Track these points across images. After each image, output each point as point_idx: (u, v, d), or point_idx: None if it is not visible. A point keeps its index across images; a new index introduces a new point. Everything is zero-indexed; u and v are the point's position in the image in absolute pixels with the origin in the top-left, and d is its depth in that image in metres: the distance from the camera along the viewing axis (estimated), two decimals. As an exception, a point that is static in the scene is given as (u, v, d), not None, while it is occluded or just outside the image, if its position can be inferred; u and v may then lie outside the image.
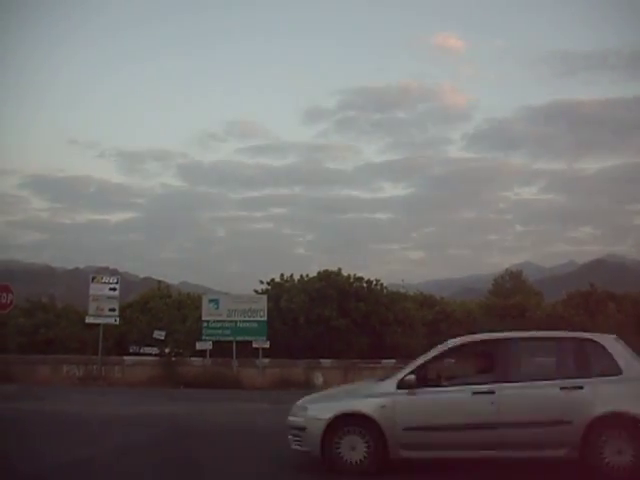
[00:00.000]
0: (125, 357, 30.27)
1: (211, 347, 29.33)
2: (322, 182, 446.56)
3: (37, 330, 33.57)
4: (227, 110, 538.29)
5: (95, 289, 30.21)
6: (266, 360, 29.19)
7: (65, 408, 19.56)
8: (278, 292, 33.39)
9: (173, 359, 29.25)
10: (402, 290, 37.59)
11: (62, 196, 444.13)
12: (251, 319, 29.53)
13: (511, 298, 41.25)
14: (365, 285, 34.80)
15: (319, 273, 34.59)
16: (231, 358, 28.75)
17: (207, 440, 13.46)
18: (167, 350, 30.18)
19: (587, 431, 9.87)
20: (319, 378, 28.72)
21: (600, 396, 10.11)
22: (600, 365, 10.57)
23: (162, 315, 33.38)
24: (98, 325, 30.05)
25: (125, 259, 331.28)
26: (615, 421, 9.92)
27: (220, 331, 29.60)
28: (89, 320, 30.41)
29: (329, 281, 33.73)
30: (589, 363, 10.74)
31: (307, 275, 34.87)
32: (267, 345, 29.23)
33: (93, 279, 30.75)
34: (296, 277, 34.86)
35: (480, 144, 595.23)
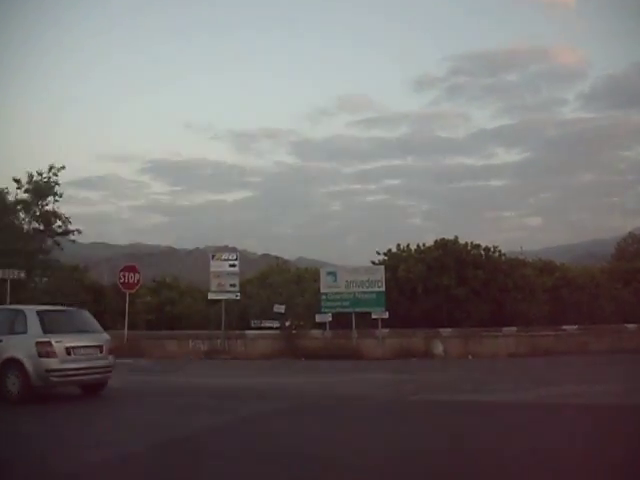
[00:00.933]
0: (247, 331, 30.91)
1: (330, 319, 29.57)
2: (434, 151, 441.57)
3: (163, 307, 34.83)
4: (337, 84, 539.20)
5: (216, 266, 30.94)
6: (385, 330, 29.18)
7: (190, 380, 20.19)
8: (395, 262, 33.32)
9: (293, 332, 29.65)
10: (520, 257, 36.83)
11: (180, 179, 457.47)
12: (369, 290, 29.54)
13: (635, 262, 39.70)
14: (483, 253, 34.29)
15: (436, 242, 34.32)
16: (350, 329, 28.90)
17: (327, 410, 13.58)
18: (287, 323, 30.63)
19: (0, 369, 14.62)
20: (439, 347, 28.49)
21: (8, 347, 14.75)
22: (18, 327, 15.09)
23: (281, 289, 33.89)
24: (220, 301, 30.81)
25: (243, 237, 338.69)
26: (10, 363, 14.52)
27: (339, 303, 29.76)
28: (211, 296, 31.21)
29: (446, 250, 33.42)
30: (13, 325, 15.19)
31: (424, 244, 34.64)
32: (386, 315, 29.19)
33: (213, 257, 31.48)
34: (412, 247, 34.68)
35: (596, 103, 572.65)
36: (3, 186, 42.53)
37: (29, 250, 41.12)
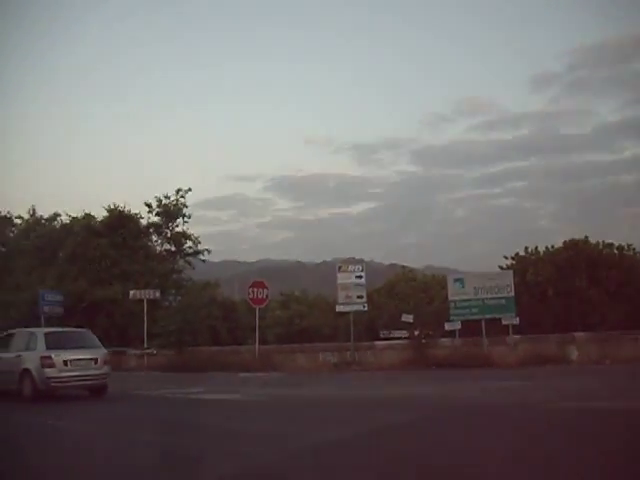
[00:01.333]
0: (376, 342, 30.89)
1: (459, 327, 29.19)
2: (559, 150, 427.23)
3: (292, 321, 35.33)
4: (453, 89, 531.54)
5: (342, 278, 31.11)
6: (516, 337, 28.52)
7: (322, 392, 20.38)
8: (523, 266, 32.59)
9: (423, 341, 29.38)
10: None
11: (304, 194, 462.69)
12: (498, 296, 28.93)
13: None
14: (616, 252, 33.00)
15: (565, 243, 33.31)
16: (480, 337, 28.40)
17: (459, 420, 13.36)
18: (416, 332, 30.36)
19: (20, 377, 19.02)
20: (574, 352, 27.54)
21: (24, 360, 19.25)
22: (31, 345, 19.70)
23: (409, 298, 33.73)
24: (348, 313, 30.97)
25: (369, 248, 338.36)
26: (25, 372, 19.12)
27: (467, 310, 29.30)
28: (339, 309, 31.41)
29: (577, 250, 32.39)
30: (28, 344, 19.87)
31: (552, 246, 33.72)
32: (516, 321, 28.58)
33: (339, 268, 31.67)
34: (541, 249, 33.81)
35: None
36: (136, 211, 44.45)
37: (163, 271, 42.80)
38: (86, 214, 44.19)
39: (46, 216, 50.20)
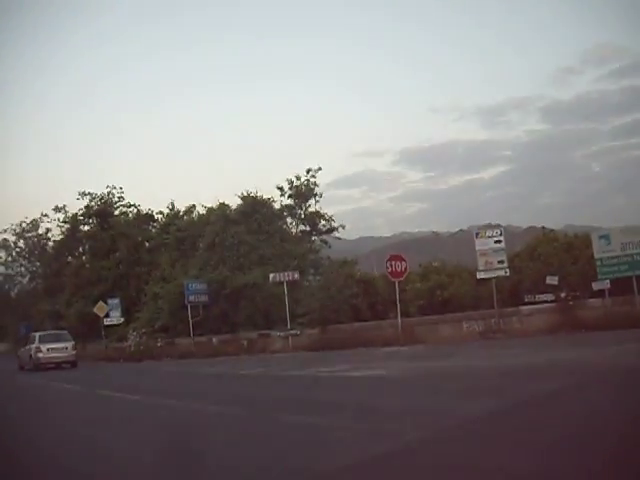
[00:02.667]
0: (521, 307, 30.01)
1: (609, 286, 27.87)
2: None
3: (433, 292, 34.88)
4: (577, 39, 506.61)
5: (481, 244, 30.50)
6: (673, 292, 26.93)
7: (467, 363, 19.94)
8: (674, 217, 30.69)
9: (570, 303, 28.28)
10: None
11: (433, 164, 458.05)
12: (648, 250, 27.45)
13: None
14: None
15: None
16: (632, 295, 27.02)
17: (615, 388, 12.57)
18: (562, 295, 29.28)
19: (29, 358, 37.82)
20: None
21: (30, 349, 37.74)
22: (32, 341, 38.27)
23: (552, 260, 32.51)
24: (490, 279, 30.28)
25: (505, 212, 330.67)
26: (29, 355, 37.63)
27: (616, 268, 27.93)
28: (480, 275, 30.80)
29: None
30: (33, 340, 37.87)
31: None
32: (670, 275, 26.96)
33: (477, 235, 31.06)
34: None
35: None
36: (268, 196, 45.16)
37: (300, 251, 43.30)
38: (221, 204, 45.37)
39: (183, 210, 51.97)
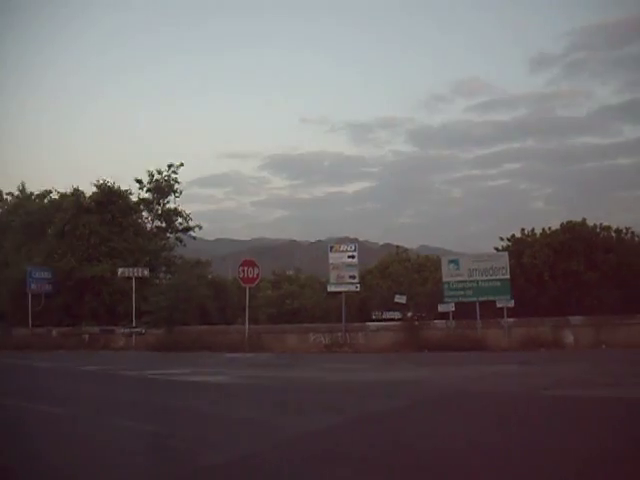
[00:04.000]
0: (368, 323, 30.38)
1: (454, 309, 28.68)
2: (555, 132, 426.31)
3: (283, 301, 34.82)
4: (452, 69, 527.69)
5: (334, 258, 30.66)
6: (511, 320, 28.01)
7: (310, 375, 19.81)
8: (520, 248, 31.98)
9: (416, 323, 28.91)
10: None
11: (299, 173, 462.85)
12: (493, 278, 28.47)
13: None
14: (614, 235, 32.40)
15: (562, 225, 32.70)
16: (474, 319, 27.91)
17: (449, 406, 12.76)
18: (409, 314, 29.90)
19: None
20: (569, 337, 27.10)
21: None
22: None
23: (402, 279, 33.18)
24: (340, 293, 30.46)
25: (364, 228, 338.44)
26: None
27: (462, 292, 28.85)
28: (331, 288, 30.97)
29: (574, 233, 31.77)
30: None
31: (549, 228, 33.09)
32: (511, 304, 28.04)
33: (331, 248, 31.20)
34: (537, 231, 33.19)
35: None
36: (126, 188, 43.75)
37: (153, 248, 42.19)
38: (75, 190, 43.39)
39: (36, 193, 49.61)
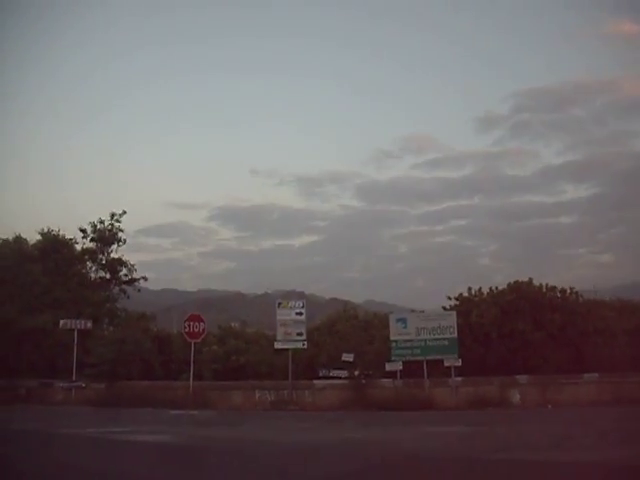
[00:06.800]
0: (315, 381, 30.08)
1: (401, 367, 28.55)
2: (501, 190, 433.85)
3: (229, 357, 34.28)
4: (399, 126, 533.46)
5: (282, 314, 30.43)
6: (459, 379, 27.98)
7: (258, 435, 19.35)
8: (467, 307, 32.09)
9: (363, 381, 28.67)
10: (595, 297, 35.11)
11: (247, 225, 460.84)
12: (441, 336, 28.55)
13: None
14: (559, 295, 32.77)
15: (509, 285, 32.97)
16: (422, 378, 27.78)
17: (398, 472, 12.47)
18: (356, 372, 29.65)
19: None
20: (516, 396, 27.21)
21: None
22: None
23: (349, 337, 32.99)
24: (287, 350, 30.13)
25: (311, 281, 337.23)
26: None
27: (409, 350, 28.81)
28: (278, 345, 30.66)
29: (520, 292, 32.05)
30: None
31: (496, 288, 33.31)
32: (459, 363, 28.05)
33: (279, 305, 30.94)
34: (485, 289, 33.39)
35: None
36: (70, 236, 42.95)
37: (96, 299, 41.29)
38: (17, 237, 42.38)
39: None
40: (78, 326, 34.38)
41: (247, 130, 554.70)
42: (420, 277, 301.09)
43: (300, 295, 35.35)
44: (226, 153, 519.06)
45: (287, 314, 30.23)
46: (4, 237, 43.88)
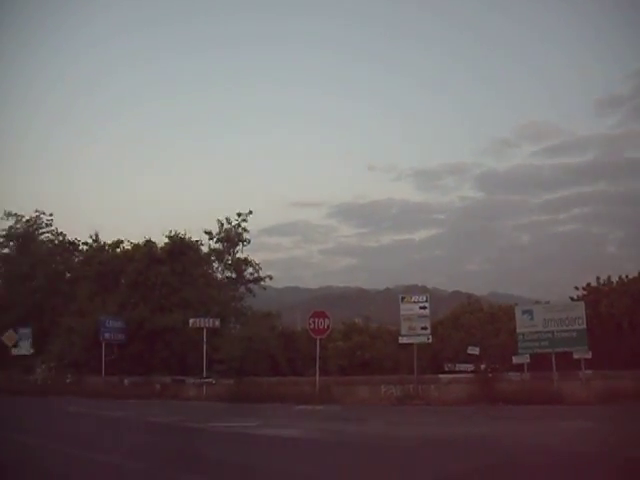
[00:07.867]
0: (440, 375, 29.87)
1: (528, 360, 27.99)
2: (627, 174, 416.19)
3: (354, 352, 34.52)
4: (517, 113, 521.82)
5: (406, 309, 30.34)
6: (589, 372, 27.13)
7: (382, 430, 19.41)
8: (596, 297, 31.17)
9: (489, 375, 28.21)
10: None
11: (367, 221, 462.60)
12: (569, 328, 27.69)
13: None
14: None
15: (640, 273, 31.81)
16: (550, 371, 27.11)
17: (532, 470, 12.17)
18: (482, 366, 29.23)
19: None
20: (652, 389, 26.03)
21: None
22: None
23: (474, 330, 32.62)
24: (412, 344, 30.08)
25: (432, 275, 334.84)
26: None
27: (537, 343, 28.12)
28: (402, 340, 30.59)
29: (653, 281, 30.86)
30: None
31: (627, 276, 32.19)
32: (589, 355, 27.21)
33: (403, 299, 30.88)
34: (614, 279, 32.31)
35: None
36: (197, 239, 44.43)
37: (223, 298, 42.51)
38: (147, 241, 44.25)
39: (109, 243, 50.61)
40: (207, 324, 35.45)
41: (363, 127, 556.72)
42: (544, 267, 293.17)
43: (422, 289, 35.20)
44: (343, 150, 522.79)
45: (411, 309, 30.13)
46: (134, 241, 45.98)
